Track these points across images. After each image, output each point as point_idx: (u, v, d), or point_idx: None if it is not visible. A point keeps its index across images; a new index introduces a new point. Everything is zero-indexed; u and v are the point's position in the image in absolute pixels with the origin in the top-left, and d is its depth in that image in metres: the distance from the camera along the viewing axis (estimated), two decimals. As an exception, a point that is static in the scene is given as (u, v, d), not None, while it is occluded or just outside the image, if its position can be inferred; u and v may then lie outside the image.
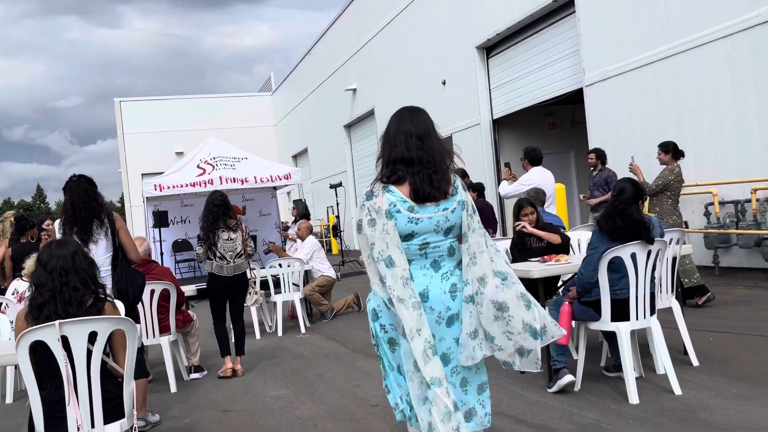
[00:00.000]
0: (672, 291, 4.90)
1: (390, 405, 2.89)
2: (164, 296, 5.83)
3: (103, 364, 3.21)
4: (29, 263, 4.76)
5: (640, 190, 4.41)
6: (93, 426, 3.13)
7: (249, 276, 6.51)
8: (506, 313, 2.63)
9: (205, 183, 11.91)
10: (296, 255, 8.99)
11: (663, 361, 4.39)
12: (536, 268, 4.64)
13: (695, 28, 8.86)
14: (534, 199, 6.18)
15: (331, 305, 8.95)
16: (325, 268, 8.97)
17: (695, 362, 4.81)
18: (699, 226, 8.94)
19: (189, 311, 6.57)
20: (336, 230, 19.71)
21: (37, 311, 3.23)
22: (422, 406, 2.59)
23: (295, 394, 5.31)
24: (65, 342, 3.09)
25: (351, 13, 21.87)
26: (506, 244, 5.90)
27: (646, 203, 7.23)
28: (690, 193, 8.75)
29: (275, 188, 14.17)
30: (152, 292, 5.67)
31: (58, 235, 4.58)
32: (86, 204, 4.58)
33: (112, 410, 3.22)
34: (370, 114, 20.85)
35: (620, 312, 4.28)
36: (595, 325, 4.44)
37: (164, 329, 5.87)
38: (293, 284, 8.38)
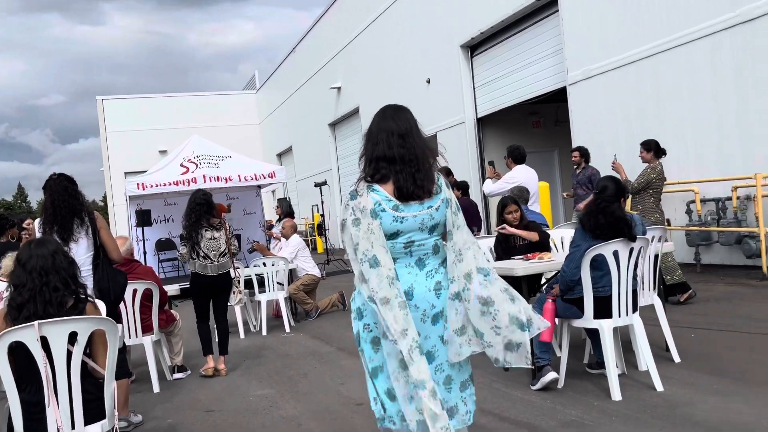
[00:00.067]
0: (654, 288, 4.94)
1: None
2: (147, 296, 5.79)
3: (84, 364, 3.18)
4: (6, 262, 4.68)
5: (623, 188, 4.45)
6: (73, 427, 3.11)
7: (233, 275, 6.48)
8: (492, 308, 2.63)
9: (188, 182, 11.82)
10: (281, 254, 8.96)
11: (645, 358, 4.42)
12: (520, 266, 4.65)
13: (677, 28, 8.94)
14: (518, 197, 6.22)
15: (315, 304, 8.93)
16: (309, 267, 8.95)
17: (677, 359, 4.85)
18: (681, 223, 9.02)
19: (172, 311, 6.52)
20: (321, 229, 19.66)
21: (17, 312, 3.18)
22: (409, 406, 2.59)
23: (279, 394, 5.29)
24: (45, 343, 3.05)
25: (335, 11, 21.83)
26: (490, 242, 5.92)
27: (629, 201, 7.28)
28: (672, 191, 8.84)
29: (259, 187, 14.11)
30: (135, 291, 5.62)
31: (38, 234, 4.52)
32: (67, 203, 4.52)
33: (93, 411, 3.20)
34: (355, 112, 20.83)
35: (603, 309, 4.31)
36: (578, 323, 4.47)
37: (147, 329, 5.82)
38: (278, 283, 8.35)
